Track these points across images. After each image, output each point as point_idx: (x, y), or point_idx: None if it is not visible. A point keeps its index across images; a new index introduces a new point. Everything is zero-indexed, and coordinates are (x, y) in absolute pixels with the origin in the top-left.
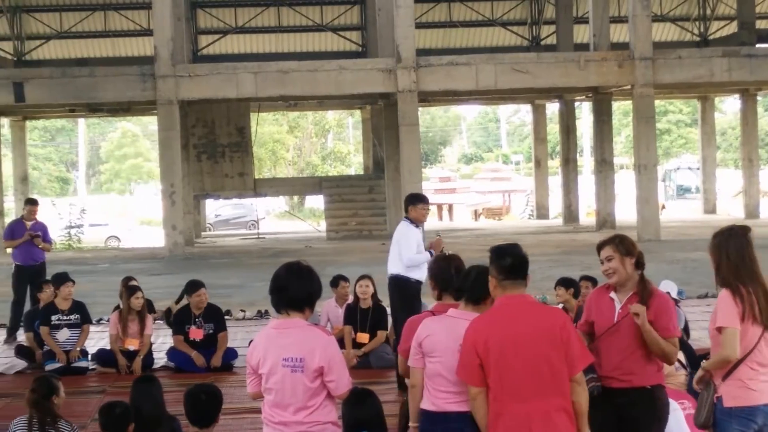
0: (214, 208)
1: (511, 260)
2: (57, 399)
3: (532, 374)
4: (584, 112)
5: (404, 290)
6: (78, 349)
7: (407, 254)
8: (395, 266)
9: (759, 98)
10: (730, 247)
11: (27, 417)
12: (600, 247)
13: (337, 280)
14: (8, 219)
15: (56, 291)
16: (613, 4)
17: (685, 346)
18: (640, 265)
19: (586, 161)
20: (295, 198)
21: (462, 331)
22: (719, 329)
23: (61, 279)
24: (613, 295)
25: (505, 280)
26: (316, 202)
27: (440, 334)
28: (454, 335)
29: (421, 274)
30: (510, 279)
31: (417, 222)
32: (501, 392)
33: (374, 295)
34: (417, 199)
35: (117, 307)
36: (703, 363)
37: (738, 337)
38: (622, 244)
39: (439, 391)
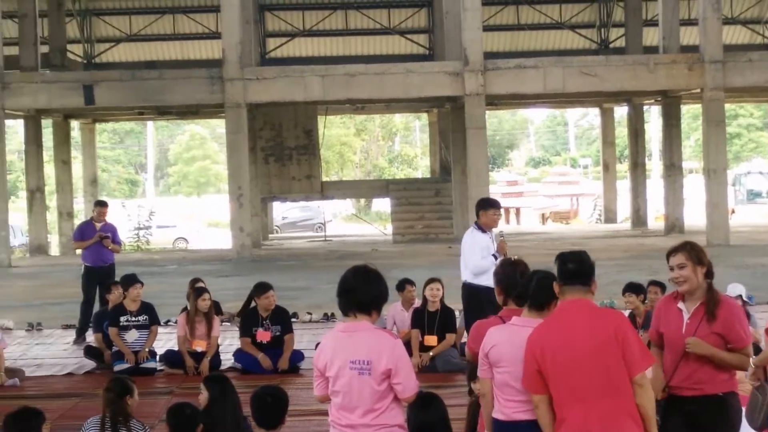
0: (281, 211)
1: (572, 265)
2: (131, 400)
3: (589, 378)
4: (653, 116)
5: (474, 297)
6: (146, 350)
7: (471, 261)
8: (464, 273)
9: None
10: None
11: (100, 416)
12: (671, 253)
13: (403, 284)
14: (78, 220)
15: (125, 292)
16: (683, 6)
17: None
18: (710, 274)
19: (654, 165)
20: (362, 201)
21: (526, 339)
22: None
23: (130, 280)
24: (681, 305)
25: (564, 285)
26: (382, 205)
27: (505, 344)
28: (519, 344)
29: (490, 280)
30: (569, 284)
31: (486, 227)
32: (560, 398)
33: (442, 299)
34: (488, 205)
35: (185, 309)
36: (753, 359)
37: None
38: (694, 252)
39: (508, 401)
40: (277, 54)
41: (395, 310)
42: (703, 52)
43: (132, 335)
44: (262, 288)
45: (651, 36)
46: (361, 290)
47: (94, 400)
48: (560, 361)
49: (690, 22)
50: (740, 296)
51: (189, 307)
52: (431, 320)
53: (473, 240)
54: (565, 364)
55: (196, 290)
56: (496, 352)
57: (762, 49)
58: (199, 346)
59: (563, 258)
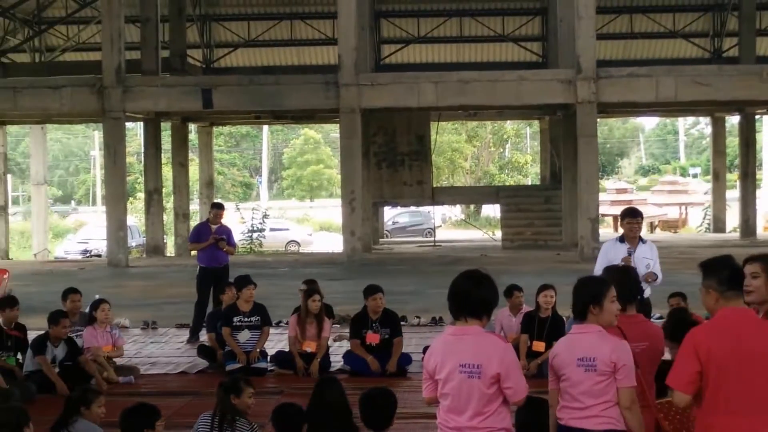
0: (391, 216)
1: (728, 271)
2: (236, 399)
3: (748, 391)
4: (765, 126)
5: None
6: (258, 350)
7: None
8: None
9: None
10: None
11: (212, 412)
12: (748, 260)
13: (511, 290)
14: (193, 222)
15: (238, 293)
16: None
17: None
18: None
19: (765, 175)
20: (471, 207)
21: (581, 344)
22: None
23: (244, 281)
24: None
25: (728, 291)
26: (492, 210)
27: (564, 352)
28: (574, 350)
29: None
30: (733, 290)
31: (626, 238)
32: (712, 405)
33: (554, 306)
34: (624, 214)
35: (296, 310)
36: None
37: None
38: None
39: (564, 407)
40: (391, 60)
41: (503, 315)
42: None
43: (244, 335)
44: (370, 290)
45: (765, 46)
46: (473, 294)
47: (207, 398)
48: (727, 369)
49: None
50: None
51: (300, 308)
52: (541, 326)
53: (605, 250)
54: (731, 374)
55: (307, 292)
56: (557, 362)
57: None
58: (309, 348)
59: (715, 264)
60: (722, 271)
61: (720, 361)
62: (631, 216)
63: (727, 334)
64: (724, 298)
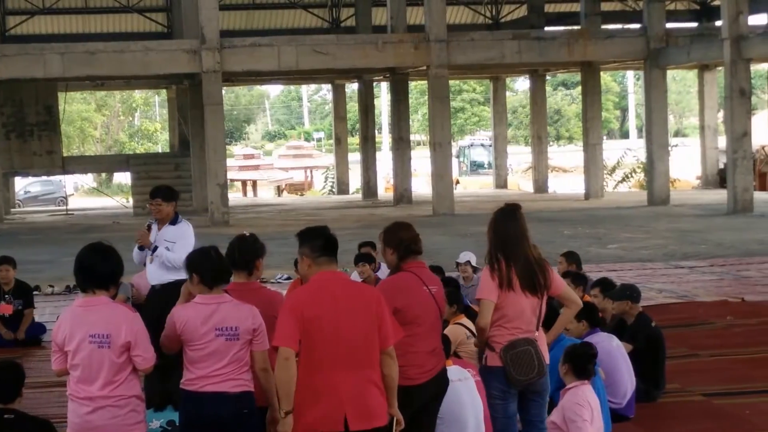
0: (23, 185)
1: (322, 240)
2: None
3: (347, 347)
4: (382, 92)
5: None
6: None
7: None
8: None
9: (547, 78)
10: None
11: None
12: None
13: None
14: None
15: None
16: None
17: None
18: (405, 253)
19: (384, 138)
20: (103, 175)
21: (220, 315)
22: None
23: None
24: None
25: (321, 257)
26: (123, 178)
27: (197, 323)
28: (210, 320)
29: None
30: (326, 256)
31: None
32: (314, 362)
33: None
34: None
35: None
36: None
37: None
38: (383, 235)
39: (199, 376)
40: (17, 31)
41: (140, 277)
42: (429, 31)
43: None
44: None
45: (380, 16)
46: (98, 267)
47: None
48: (324, 326)
49: (416, 3)
50: (469, 262)
51: None
52: None
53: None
54: (328, 331)
55: None
56: (188, 330)
57: (483, 29)
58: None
59: (310, 233)
60: (316, 240)
61: (319, 319)
62: (151, 196)
63: (323, 294)
64: (316, 264)
